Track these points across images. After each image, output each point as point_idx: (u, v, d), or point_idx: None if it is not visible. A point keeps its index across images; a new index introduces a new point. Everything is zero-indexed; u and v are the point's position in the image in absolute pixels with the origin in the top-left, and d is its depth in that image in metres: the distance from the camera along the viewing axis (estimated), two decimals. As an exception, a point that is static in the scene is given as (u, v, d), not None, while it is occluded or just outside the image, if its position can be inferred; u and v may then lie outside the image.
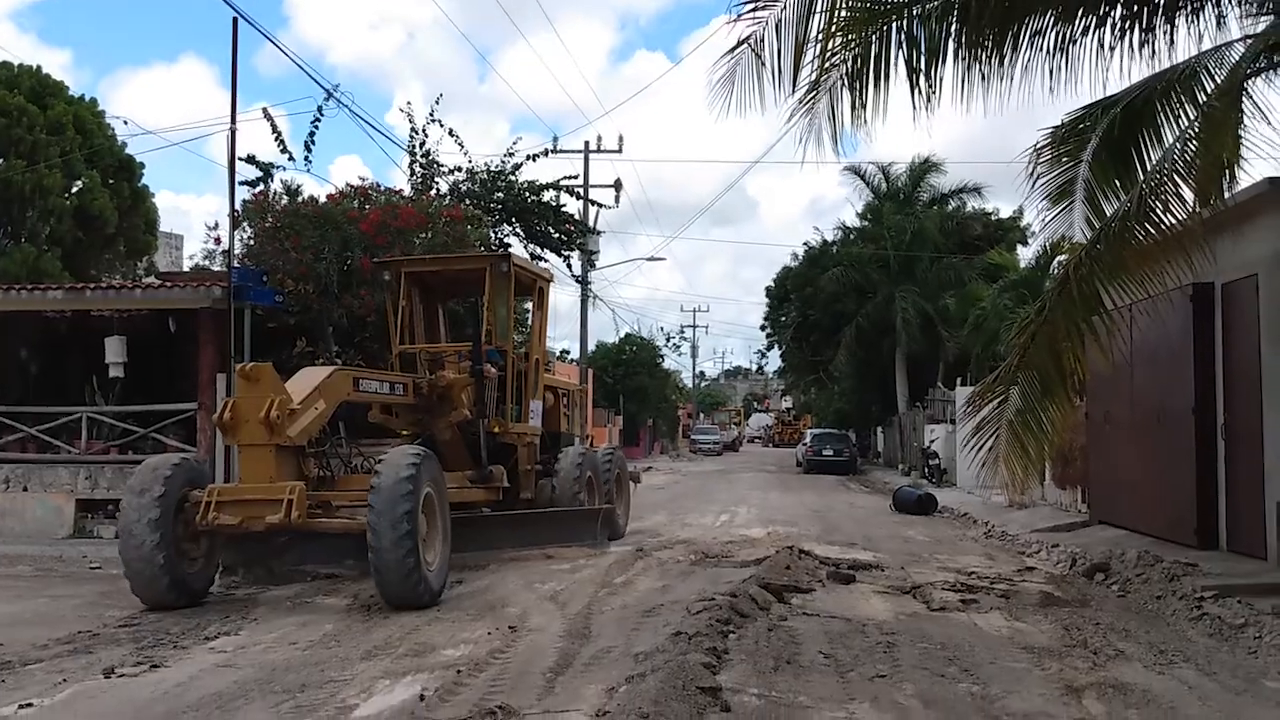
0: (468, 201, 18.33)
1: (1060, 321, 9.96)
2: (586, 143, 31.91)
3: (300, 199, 16.04)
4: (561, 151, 30.54)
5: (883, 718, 5.62)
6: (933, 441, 28.98)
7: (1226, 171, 9.71)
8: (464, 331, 13.61)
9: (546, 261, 19.82)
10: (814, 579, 10.54)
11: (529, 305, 16.44)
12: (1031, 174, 11.59)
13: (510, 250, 13.55)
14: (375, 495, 8.73)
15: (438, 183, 18.64)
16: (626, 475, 16.18)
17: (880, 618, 8.63)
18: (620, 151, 32.26)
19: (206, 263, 16.63)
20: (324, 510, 9.58)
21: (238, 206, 15.45)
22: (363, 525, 8.81)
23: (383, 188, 16.59)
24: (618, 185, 31.16)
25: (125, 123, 43.97)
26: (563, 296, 68.87)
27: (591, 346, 49.71)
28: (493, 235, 18.50)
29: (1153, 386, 12.42)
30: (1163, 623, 8.69)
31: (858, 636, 7.74)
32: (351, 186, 16.40)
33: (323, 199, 16.11)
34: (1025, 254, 35.71)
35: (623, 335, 54.33)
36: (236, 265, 13.94)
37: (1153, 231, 9.34)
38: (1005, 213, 42.46)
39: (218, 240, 15.88)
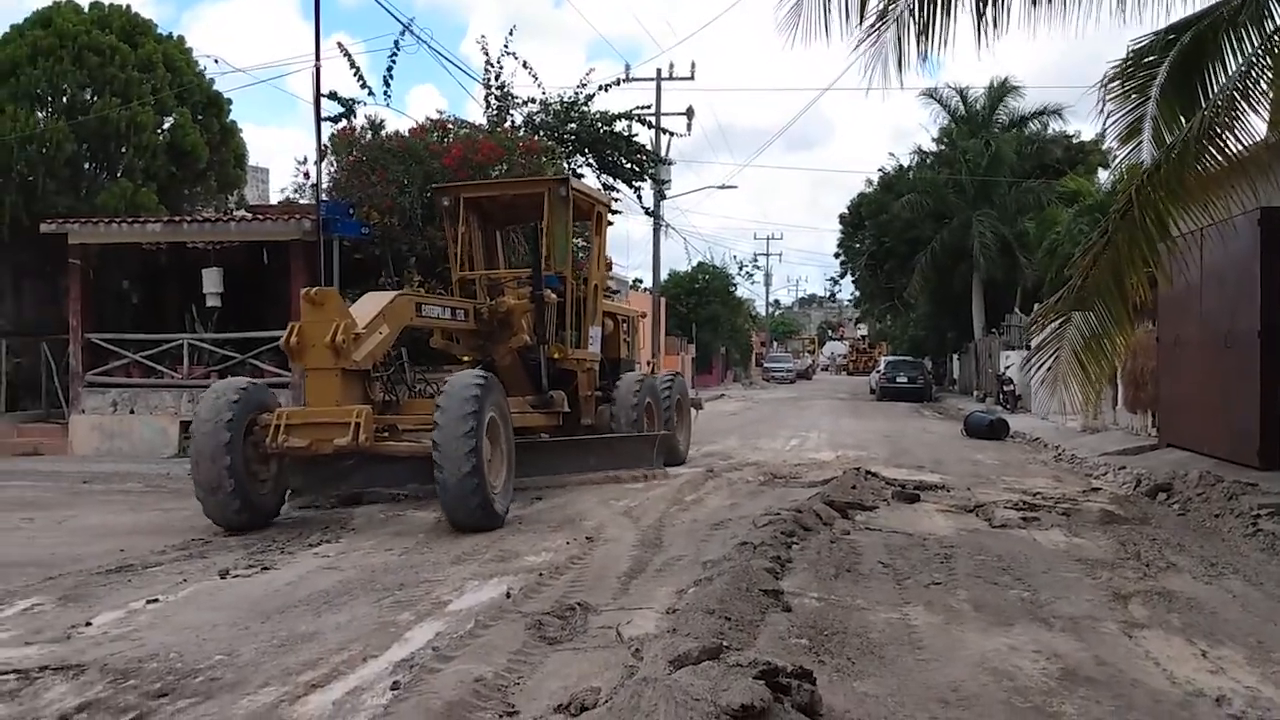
0: (541, 133, 18.67)
1: (1123, 245, 10.09)
2: (659, 70, 31.97)
3: (383, 133, 16.57)
4: (634, 80, 30.96)
5: (934, 619, 6.03)
6: (1008, 368, 28.91)
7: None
8: (524, 258, 13.68)
9: (618, 192, 20.15)
10: (879, 498, 10.93)
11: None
12: (1101, 109, 11.64)
13: (570, 175, 13.42)
14: (440, 419, 8.84)
15: (512, 114, 19.02)
16: (687, 401, 16.17)
17: (941, 533, 9.01)
18: (693, 79, 32.36)
19: (295, 196, 17.31)
20: (390, 434, 9.74)
21: (324, 141, 16.06)
22: (428, 448, 8.94)
23: (460, 120, 17.05)
24: (689, 113, 31.20)
25: (215, 61, 44.98)
26: (635, 226, 68.93)
27: (664, 276, 50.05)
28: (566, 166, 18.83)
29: (1221, 310, 12.47)
30: (1218, 538, 8.94)
31: (917, 549, 8.14)
32: (431, 120, 16.90)
33: (404, 131, 16.61)
34: (1105, 177, 35.12)
35: (695, 264, 54.53)
36: (324, 199, 14.53)
37: (1217, 156, 9.42)
38: (1087, 135, 41.66)
39: (306, 175, 16.54)
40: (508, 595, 6.47)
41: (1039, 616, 6.13)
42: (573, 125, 19.22)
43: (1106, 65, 11.92)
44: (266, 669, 5.10)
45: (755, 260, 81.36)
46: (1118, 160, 12.84)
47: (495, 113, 18.75)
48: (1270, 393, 11.19)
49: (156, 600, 6.68)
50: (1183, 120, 11.46)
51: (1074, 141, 41.58)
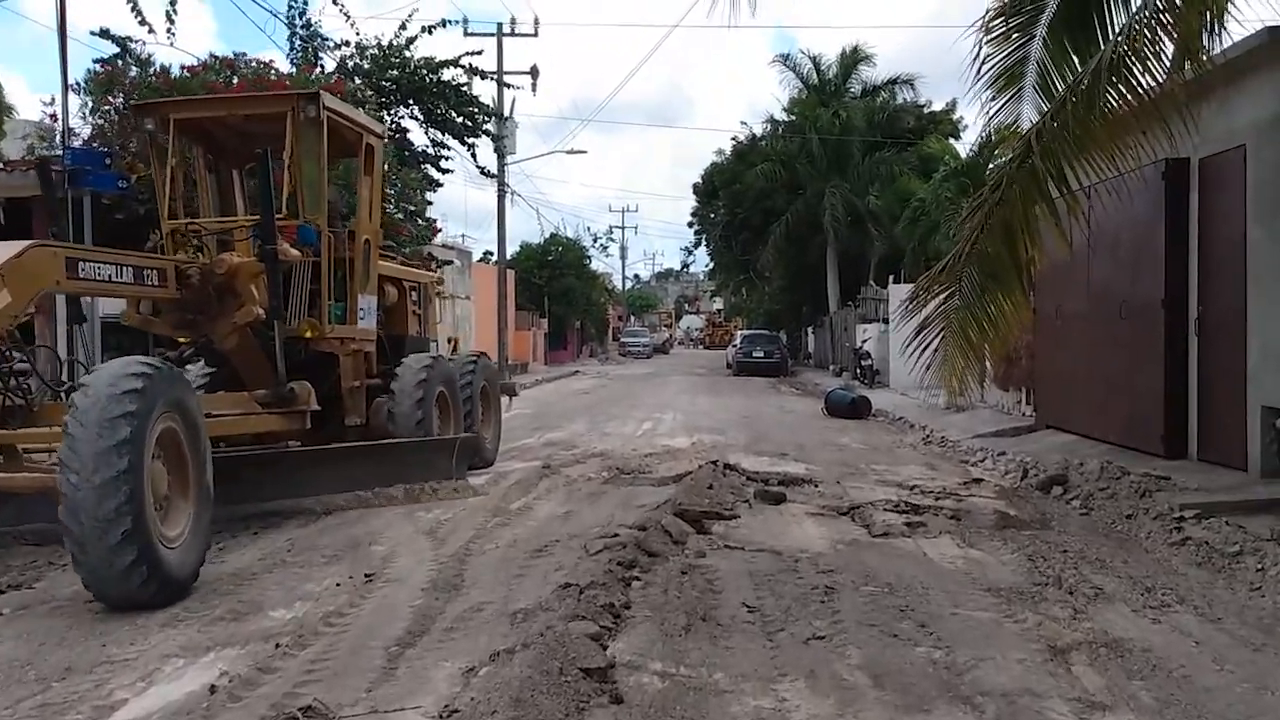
0: (358, 80, 16.34)
1: (1018, 201, 8.68)
2: (499, 25, 29.67)
3: (152, 70, 14.02)
4: (472, 34, 28.65)
5: (822, 707, 4.28)
6: (865, 342, 27.97)
7: (1212, 19, 8.29)
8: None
9: (450, 150, 17.97)
10: (739, 499, 9.27)
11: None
12: (977, 56, 10.13)
13: (322, 91, 9.84)
14: (69, 438, 5.77)
15: (322, 59, 16.62)
16: (496, 389, 13.15)
17: (815, 548, 7.36)
18: (536, 35, 30.13)
19: (44, 146, 14.56)
20: (4, 458, 6.76)
21: (81, 80, 13.52)
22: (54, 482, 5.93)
23: (251, 59, 14.62)
24: (534, 72, 29.04)
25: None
26: (482, 196, 66.65)
27: (515, 248, 47.91)
28: (386, 118, 16.58)
29: (1115, 277, 11.18)
30: (1140, 549, 7.51)
31: (789, 578, 6.42)
32: (215, 58, 14.41)
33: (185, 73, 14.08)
34: (958, 148, 34.55)
35: (548, 236, 52.33)
36: (74, 147, 12.01)
37: (1127, 95, 8.02)
38: (937, 106, 41.19)
39: (54, 118, 13.86)
40: (212, 690, 4.44)
41: (962, 695, 4.44)
42: (394, 73, 16.90)
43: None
44: None
45: (610, 232, 79.68)
46: (991, 115, 11.31)
47: (301, 55, 16.31)
48: (1175, 370, 9.90)
49: None
50: (1076, 62, 10.11)
51: (925, 111, 41.01)
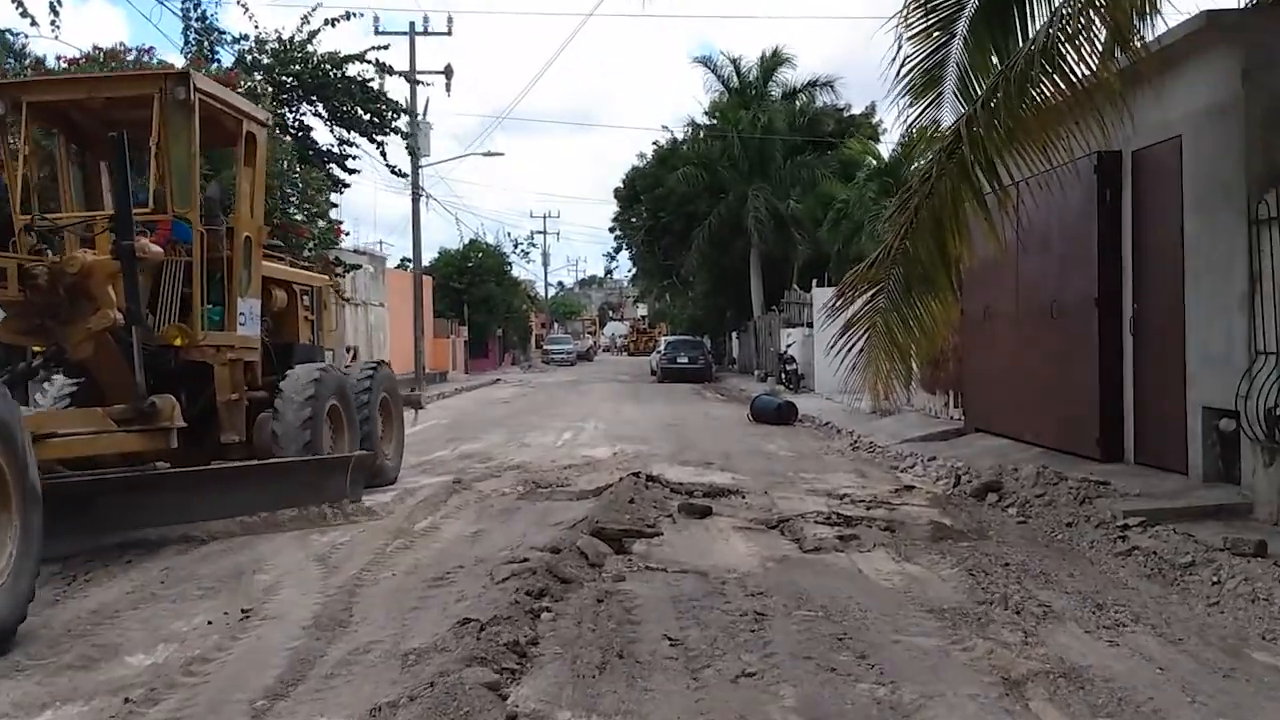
0: (257, 75, 15.49)
1: (947, 195, 8.30)
2: (412, 23, 28.87)
3: (26, 62, 13.08)
4: (383, 33, 27.80)
5: (754, 762, 3.73)
6: (789, 346, 27.69)
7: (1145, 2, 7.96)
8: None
9: (356, 148, 17.15)
10: (662, 514, 8.72)
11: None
12: (896, 54, 9.73)
13: (192, 70, 8.99)
14: None
15: (218, 53, 15.73)
16: (398, 400, 12.12)
17: (744, 567, 6.83)
18: (450, 34, 29.36)
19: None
20: None
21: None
22: None
23: (136, 49, 13.68)
24: (448, 72, 28.29)
25: None
26: (395, 198, 65.64)
27: (434, 254, 46.95)
28: (288, 115, 15.76)
29: (1045, 276, 10.85)
30: (1084, 560, 7.11)
31: (716, 602, 5.86)
32: (98, 49, 13.48)
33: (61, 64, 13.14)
34: (880, 149, 34.54)
35: (468, 242, 51.34)
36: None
37: (1060, 83, 7.67)
38: (857, 110, 41.24)
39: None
40: (33, 764, 3.76)
41: (912, 739, 3.92)
42: (295, 68, 16.06)
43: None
44: None
45: (531, 238, 78.69)
46: (911, 121, 10.89)
47: (195, 49, 15.40)
48: (1110, 370, 9.56)
49: None
50: (996, 61, 9.77)
51: (845, 115, 41.02)
